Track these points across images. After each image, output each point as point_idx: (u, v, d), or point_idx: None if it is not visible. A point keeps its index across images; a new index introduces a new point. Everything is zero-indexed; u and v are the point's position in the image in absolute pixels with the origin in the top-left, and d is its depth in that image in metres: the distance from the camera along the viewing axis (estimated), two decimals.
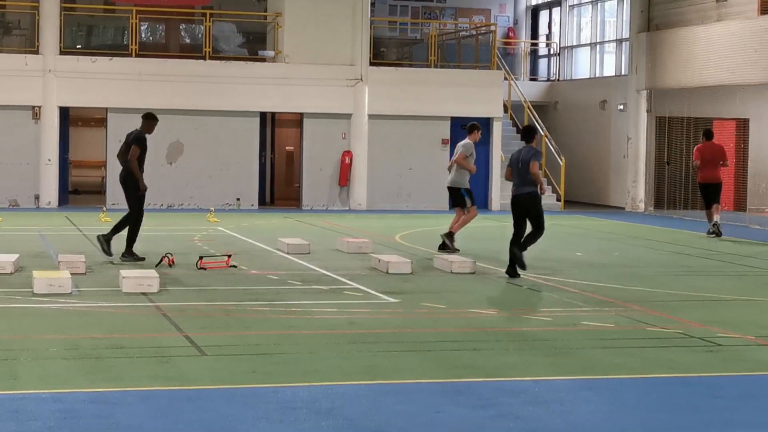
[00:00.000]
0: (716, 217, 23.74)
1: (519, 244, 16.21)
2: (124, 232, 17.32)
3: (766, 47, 27.45)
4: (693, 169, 24.90)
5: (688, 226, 26.65)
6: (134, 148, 17.10)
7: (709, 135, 24.35)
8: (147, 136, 17.55)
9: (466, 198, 19.85)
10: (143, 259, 17.11)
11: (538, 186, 16.45)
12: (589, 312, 13.27)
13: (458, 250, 19.18)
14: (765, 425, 8.19)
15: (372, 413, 8.26)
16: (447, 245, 19.31)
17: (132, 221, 17.29)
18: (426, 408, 8.50)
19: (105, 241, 17.25)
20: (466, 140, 20.06)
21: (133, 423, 7.84)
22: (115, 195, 28.80)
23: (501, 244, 21.47)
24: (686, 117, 31.42)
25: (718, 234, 23.51)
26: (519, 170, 16.40)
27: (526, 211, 16.36)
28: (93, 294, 13.88)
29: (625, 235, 24.25)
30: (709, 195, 23.84)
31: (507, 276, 16.16)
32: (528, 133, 16.82)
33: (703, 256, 19.92)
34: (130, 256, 17.15)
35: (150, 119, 17.65)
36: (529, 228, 16.43)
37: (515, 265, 16.17)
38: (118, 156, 17.94)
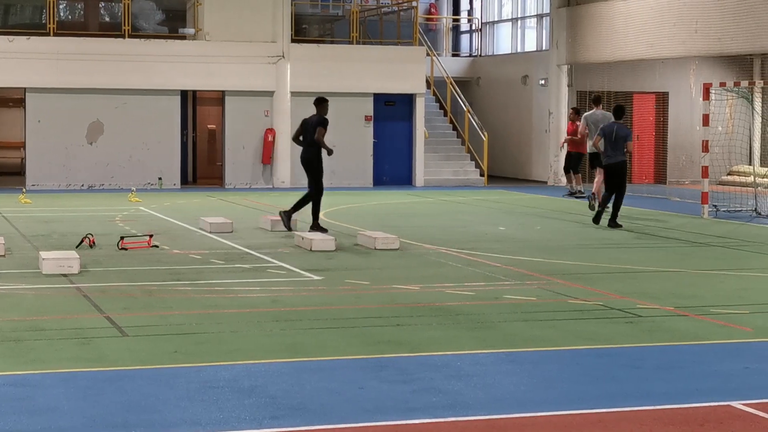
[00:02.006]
0: (578, 186, 27.49)
1: (606, 204, 20.37)
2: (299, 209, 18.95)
3: (684, 21, 27.74)
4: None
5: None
6: (320, 129, 18.52)
7: (578, 112, 27.84)
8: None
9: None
10: (327, 230, 18.32)
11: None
12: (512, 285, 13.36)
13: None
14: (683, 394, 8.30)
15: (295, 391, 8.25)
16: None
17: (314, 197, 18.76)
18: (349, 384, 8.51)
19: (287, 216, 18.75)
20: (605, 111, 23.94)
21: (53, 405, 7.77)
22: (35, 176, 28.50)
23: (425, 219, 21.58)
24: (607, 91, 31.66)
25: (573, 194, 27.31)
26: (614, 143, 20.23)
27: (618, 175, 20.27)
28: (12, 276, 13.71)
29: (547, 209, 24.44)
30: (572, 163, 27.63)
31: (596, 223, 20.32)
32: (619, 111, 20.82)
33: (623, 229, 20.10)
34: (317, 228, 18.25)
35: (323, 103, 18.91)
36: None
37: (613, 220, 20.16)
38: (294, 139, 19.28)
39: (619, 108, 21.03)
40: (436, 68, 34.25)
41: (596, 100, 25.07)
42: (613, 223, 20.05)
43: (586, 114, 24.67)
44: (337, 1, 34.83)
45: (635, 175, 32.73)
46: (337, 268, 14.77)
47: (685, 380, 8.77)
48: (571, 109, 28.84)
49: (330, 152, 18.92)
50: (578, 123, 27.29)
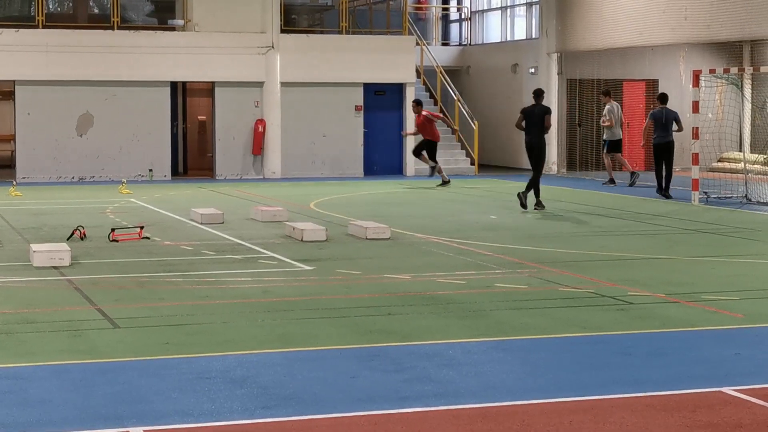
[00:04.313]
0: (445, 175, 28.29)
1: (662, 181, 23.93)
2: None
3: (674, 8, 27.74)
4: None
5: (599, 187, 26.94)
6: (548, 117, 21.44)
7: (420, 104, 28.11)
8: None
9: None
10: (544, 207, 21.21)
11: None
12: (503, 274, 13.37)
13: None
14: (674, 380, 8.32)
15: (287, 381, 8.26)
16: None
17: (538, 178, 21.33)
18: (341, 374, 8.52)
19: (539, 204, 21.22)
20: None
21: (45, 397, 7.77)
22: (25, 168, 28.44)
23: (416, 209, 21.59)
24: (596, 79, 31.68)
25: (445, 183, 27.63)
26: (663, 125, 23.93)
27: (666, 152, 23.96)
28: (3, 269, 13.69)
29: None
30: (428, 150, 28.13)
31: (662, 197, 23.78)
32: (665, 97, 24.80)
33: (614, 216, 20.15)
34: (540, 206, 21.16)
35: (542, 94, 22.13)
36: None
37: (665, 191, 23.87)
38: (517, 126, 22.08)
39: (664, 95, 25.01)
40: (425, 57, 34.20)
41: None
42: (667, 194, 23.73)
43: (609, 107, 27.64)
44: None
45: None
46: (328, 258, 14.77)
47: (676, 367, 8.78)
48: (413, 102, 28.24)
49: (546, 133, 21.86)
50: (424, 114, 27.59)
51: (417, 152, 27.85)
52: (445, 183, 27.36)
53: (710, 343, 9.75)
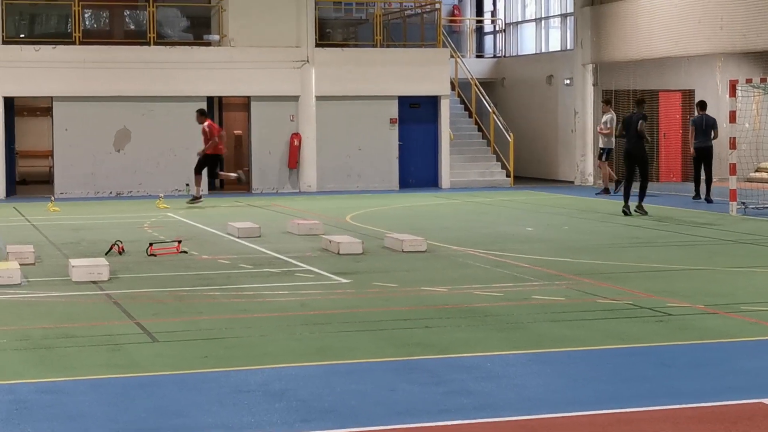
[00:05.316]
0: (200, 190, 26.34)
1: (699, 187, 25.14)
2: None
3: (710, 17, 27.64)
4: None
5: (636, 198, 26.79)
6: (642, 122, 22.08)
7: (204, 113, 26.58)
8: None
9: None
10: (647, 213, 22.14)
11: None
12: (540, 286, 13.33)
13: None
14: (714, 392, 8.27)
15: (325, 394, 8.26)
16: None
17: (647, 181, 22.52)
18: (379, 387, 8.51)
19: (640, 208, 22.17)
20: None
21: (84, 411, 7.80)
22: (63, 184, 28.62)
23: (452, 221, 21.57)
24: (632, 89, 31.57)
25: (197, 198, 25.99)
26: (704, 131, 25.13)
27: (705, 157, 25.14)
28: (42, 284, 13.78)
29: (574, 208, 24.38)
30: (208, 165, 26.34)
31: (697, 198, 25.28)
32: (703, 104, 25.87)
33: (651, 228, 20.05)
34: (641, 210, 22.17)
35: (643, 103, 23.41)
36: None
37: (707, 195, 24.93)
38: (617, 135, 24.48)
39: (703, 102, 26.05)
40: (460, 70, 34.24)
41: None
42: (708, 198, 24.89)
43: (610, 116, 28.32)
44: (360, 5, 34.86)
45: (663, 174, 32.64)
46: (365, 270, 14.78)
47: (716, 378, 8.73)
48: (197, 111, 26.52)
49: (648, 141, 22.55)
50: (206, 124, 25.87)
51: (211, 173, 26.52)
52: (195, 200, 25.81)
53: (750, 354, 9.68)
